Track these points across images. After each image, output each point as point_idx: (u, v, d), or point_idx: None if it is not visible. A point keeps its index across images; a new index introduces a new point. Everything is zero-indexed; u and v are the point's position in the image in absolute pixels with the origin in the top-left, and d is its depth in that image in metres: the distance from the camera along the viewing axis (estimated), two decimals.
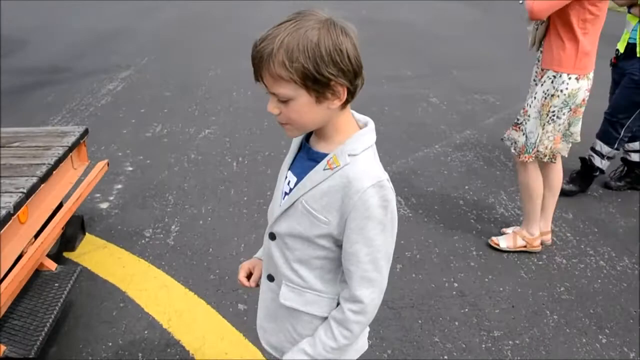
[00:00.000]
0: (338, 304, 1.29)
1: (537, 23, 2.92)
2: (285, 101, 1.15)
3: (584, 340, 2.55)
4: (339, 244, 1.24)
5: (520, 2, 2.91)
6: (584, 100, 2.92)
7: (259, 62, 1.13)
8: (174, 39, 8.90)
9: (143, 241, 3.26)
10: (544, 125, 2.93)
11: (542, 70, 2.95)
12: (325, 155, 1.21)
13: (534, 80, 3.06)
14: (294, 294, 1.31)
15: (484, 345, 2.50)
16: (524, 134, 3.01)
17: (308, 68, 1.09)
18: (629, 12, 3.65)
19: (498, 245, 3.23)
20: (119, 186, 3.94)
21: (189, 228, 3.41)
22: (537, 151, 3.00)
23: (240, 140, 4.82)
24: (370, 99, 5.82)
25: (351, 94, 1.17)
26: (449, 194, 3.90)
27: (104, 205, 3.68)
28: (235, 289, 2.83)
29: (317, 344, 1.28)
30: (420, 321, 2.65)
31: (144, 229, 3.40)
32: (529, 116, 2.98)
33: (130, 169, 4.22)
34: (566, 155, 3.17)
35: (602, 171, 3.95)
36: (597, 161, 3.89)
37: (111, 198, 3.77)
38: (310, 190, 1.21)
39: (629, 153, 4.02)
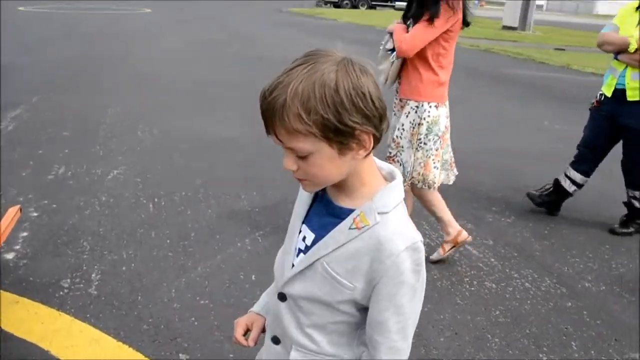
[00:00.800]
0: None
1: (392, 60, 3.20)
2: (304, 157, 1.01)
3: (526, 359, 2.65)
4: (360, 308, 1.13)
5: (387, 49, 3.26)
6: (446, 127, 3.24)
7: (270, 116, 0.99)
8: (66, 76, 8.46)
9: (61, 293, 2.99)
10: (415, 152, 3.19)
11: (401, 100, 3.23)
12: (350, 211, 1.08)
13: (394, 112, 3.32)
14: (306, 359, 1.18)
15: None
16: (400, 164, 3.23)
17: (328, 118, 0.96)
18: (616, 59, 3.91)
19: (432, 259, 3.40)
20: (25, 234, 3.61)
21: (111, 275, 3.17)
22: (412, 177, 3.23)
23: (153, 180, 4.61)
24: None
25: (377, 141, 1.03)
26: None
27: (10, 256, 3.34)
28: (173, 338, 2.65)
29: None
30: None
31: (60, 279, 3.11)
32: (402, 147, 3.23)
33: (36, 214, 3.88)
34: (450, 183, 3.44)
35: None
36: (637, 204, 4.06)
37: (17, 247, 3.44)
38: (332, 251, 1.08)
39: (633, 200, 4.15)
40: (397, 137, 3.24)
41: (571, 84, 11.25)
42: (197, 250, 3.50)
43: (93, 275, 3.17)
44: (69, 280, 3.10)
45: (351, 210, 1.08)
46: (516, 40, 19.69)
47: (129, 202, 4.15)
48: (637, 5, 3.84)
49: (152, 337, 2.66)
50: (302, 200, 1.19)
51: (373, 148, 1.04)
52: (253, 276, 3.23)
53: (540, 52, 16.30)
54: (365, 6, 38.44)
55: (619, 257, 3.74)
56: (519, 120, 7.69)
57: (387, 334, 1.09)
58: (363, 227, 1.06)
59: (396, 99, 3.32)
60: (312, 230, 1.14)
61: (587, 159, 4.19)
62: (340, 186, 1.10)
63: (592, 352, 2.73)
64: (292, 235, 1.19)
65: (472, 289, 3.22)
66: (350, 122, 0.97)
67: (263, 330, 1.34)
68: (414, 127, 3.18)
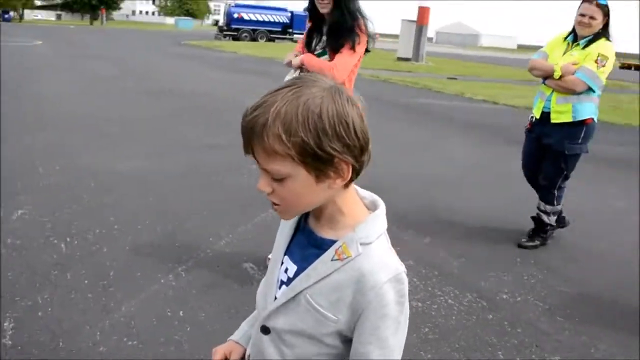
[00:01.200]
0: None
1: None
2: (280, 180, 1.01)
3: None
4: (345, 340, 1.10)
5: None
6: None
7: (250, 134, 0.98)
8: None
9: None
10: None
11: None
12: (332, 242, 1.06)
13: None
14: None
15: None
16: None
17: (308, 143, 0.95)
18: (544, 83, 4.18)
19: None
20: None
21: (27, 323, 2.95)
22: None
23: (62, 219, 4.37)
24: (200, 167, 5.74)
25: (356, 173, 1.03)
26: None
27: None
28: None
29: None
30: None
31: None
32: None
33: None
34: None
35: (552, 226, 4.43)
36: (545, 218, 4.36)
37: None
38: (315, 283, 1.06)
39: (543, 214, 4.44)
40: None
41: (465, 110, 11.95)
42: (118, 289, 3.35)
43: (6, 324, 2.93)
44: None
45: (333, 241, 1.07)
46: (411, 70, 20.70)
47: (38, 243, 3.91)
48: (565, 36, 4.22)
49: None
50: (284, 231, 1.18)
51: (351, 180, 1.04)
52: (181, 312, 3.13)
53: (434, 81, 17.21)
54: (264, 39, 38.98)
55: (529, 269, 3.98)
56: (423, 145, 8.06)
57: None
58: (345, 258, 1.04)
59: None
60: (294, 262, 1.12)
61: (528, 177, 4.53)
62: (321, 216, 1.09)
63: (517, 359, 2.88)
64: (274, 267, 1.17)
65: None
66: (330, 149, 0.97)
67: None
68: None
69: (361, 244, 1.04)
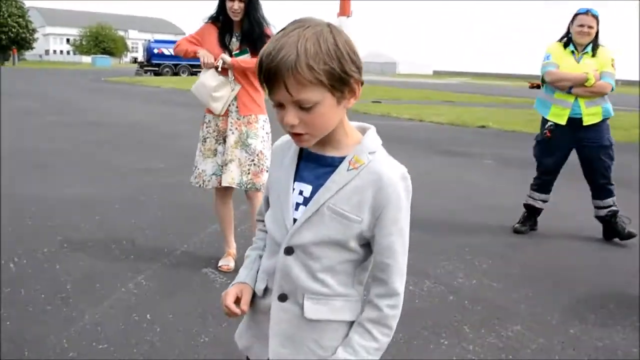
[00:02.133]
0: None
1: (234, 87, 3.61)
2: (307, 108, 1.13)
3: (432, 346, 2.84)
4: (363, 244, 1.24)
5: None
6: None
7: (282, 72, 1.10)
8: None
9: None
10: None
11: (244, 117, 3.63)
12: (341, 159, 1.22)
13: (231, 129, 3.64)
14: (321, 305, 1.25)
15: None
16: (268, 171, 3.70)
17: (334, 68, 1.11)
18: (569, 92, 4.47)
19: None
20: None
21: None
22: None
23: (7, 241, 4.17)
24: (141, 188, 5.66)
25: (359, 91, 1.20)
26: None
27: None
28: None
29: (359, 350, 1.23)
30: None
31: None
32: (266, 156, 3.62)
33: None
34: None
35: (615, 215, 4.67)
36: (604, 212, 4.67)
37: None
38: (337, 192, 1.20)
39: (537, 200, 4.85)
40: (261, 149, 3.61)
41: (394, 127, 12.35)
42: (79, 300, 3.25)
43: None
44: None
45: (342, 158, 1.22)
46: None
47: None
48: (563, 43, 4.62)
49: None
50: (286, 163, 1.29)
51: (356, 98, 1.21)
52: (148, 315, 3.08)
53: (360, 105, 17.63)
54: (187, 73, 38.70)
55: (480, 256, 4.18)
56: None
57: (395, 256, 1.23)
58: (359, 166, 1.20)
59: (232, 118, 3.64)
60: (308, 183, 1.24)
61: (548, 183, 4.83)
62: (327, 140, 1.23)
63: (482, 330, 3.03)
64: (285, 195, 1.26)
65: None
66: (350, 71, 1.14)
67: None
68: (268, 135, 3.69)
69: (369, 153, 1.21)
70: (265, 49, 1.13)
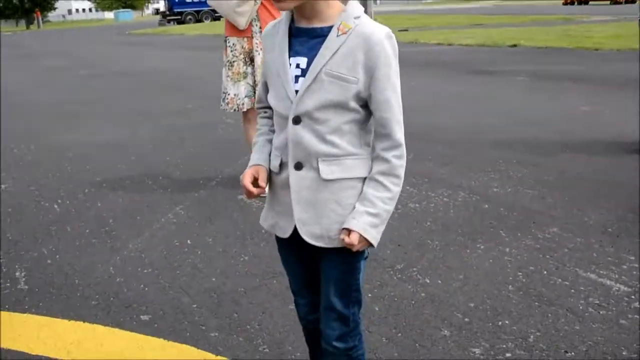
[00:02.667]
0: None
1: (256, 2, 3.55)
2: None
3: (468, 251, 2.86)
4: (362, 104, 1.32)
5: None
6: None
7: None
8: None
9: None
10: None
11: None
12: (329, 28, 1.29)
13: (256, 50, 3.62)
14: (334, 165, 1.33)
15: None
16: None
17: None
18: None
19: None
20: None
21: (38, 270, 2.95)
22: None
23: (49, 186, 4.33)
24: (172, 128, 5.74)
25: None
26: None
27: None
28: (128, 305, 2.54)
29: (375, 201, 1.32)
30: None
31: None
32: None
33: None
34: None
35: None
36: None
37: None
38: (331, 58, 1.27)
39: None
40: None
41: (424, 52, 12.10)
42: (122, 232, 3.37)
43: (17, 273, 2.93)
44: None
45: (330, 27, 1.29)
46: None
47: (29, 208, 3.87)
48: None
49: (105, 309, 2.53)
50: (278, 42, 1.35)
51: None
52: (188, 241, 3.18)
53: None
54: (210, 19, 38.32)
55: (513, 168, 4.13)
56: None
57: (392, 110, 1.32)
58: (347, 30, 1.28)
59: (256, 39, 3.62)
60: (304, 55, 1.31)
61: None
62: (313, 14, 1.30)
63: (519, 234, 3.03)
64: (284, 69, 1.33)
65: (399, 211, 3.40)
66: None
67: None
68: None
69: (355, 17, 1.28)
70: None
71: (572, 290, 2.45)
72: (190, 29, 29.37)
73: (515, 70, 9.03)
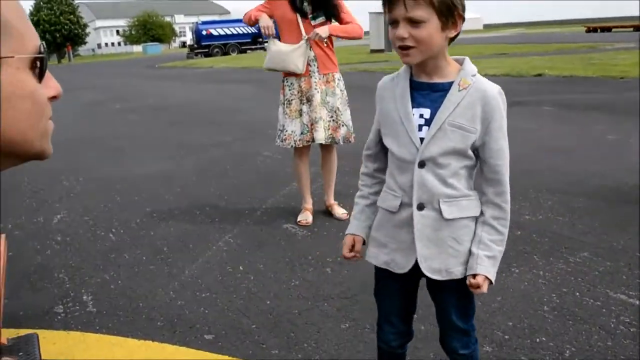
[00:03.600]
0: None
1: (308, 46, 3.80)
2: (416, 24, 1.36)
3: (504, 274, 3.05)
4: (475, 149, 1.51)
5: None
6: None
7: None
8: None
9: (60, 317, 2.98)
10: (347, 111, 3.97)
11: (324, 75, 3.88)
12: (449, 83, 1.48)
13: (315, 89, 3.86)
14: (454, 206, 1.51)
15: None
16: (343, 125, 3.91)
17: None
18: None
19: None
20: None
21: (103, 294, 3.21)
22: (352, 133, 3.98)
23: (102, 216, 4.62)
24: (213, 160, 6.03)
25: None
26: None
27: None
28: (192, 326, 2.78)
29: (490, 245, 1.53)
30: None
31: (52, 307, 3.09)
32: (341, 111, 3.89)
33: None
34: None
35: None
36: None
37: None
38: (453, 110, 1.45)
39: None
40: (338, 105, 3.89)
41: None
42: (177, 259, 3.62)
43: (84, 297, 3.20)
44: (61, 306, 3.11)
45: (450, 83, 1.47)
46: (387, 60, 21.01)
47: (87, 237, 4.16)
48: None
49: (171, 330, 2.77)
50: (399, 95, 1.53)
51: (456, 36, 1.45)
52: (240, 267, 3.41)
53: None
54: (236, 51, 39.20)
55: (543, 196, 4.31)
56: None
57: (504, 158, 1.51)
58: (467, 86, 1.46)
59: (315, 78, 3.86)
60: (426, 107, 1.49)
61: None
62: (434, 70, 1.48)
63: (551, 258, 3.21)
64: (408, 119, 1.50)
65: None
66: (457, 3, 1.39)
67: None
68: (342, 92, 3.96)
69: (472, 75, 1.47)
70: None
71: (604, 310, 2.63)
72: (218, 62, 30.11)
73: (540, 100, 9.21)
